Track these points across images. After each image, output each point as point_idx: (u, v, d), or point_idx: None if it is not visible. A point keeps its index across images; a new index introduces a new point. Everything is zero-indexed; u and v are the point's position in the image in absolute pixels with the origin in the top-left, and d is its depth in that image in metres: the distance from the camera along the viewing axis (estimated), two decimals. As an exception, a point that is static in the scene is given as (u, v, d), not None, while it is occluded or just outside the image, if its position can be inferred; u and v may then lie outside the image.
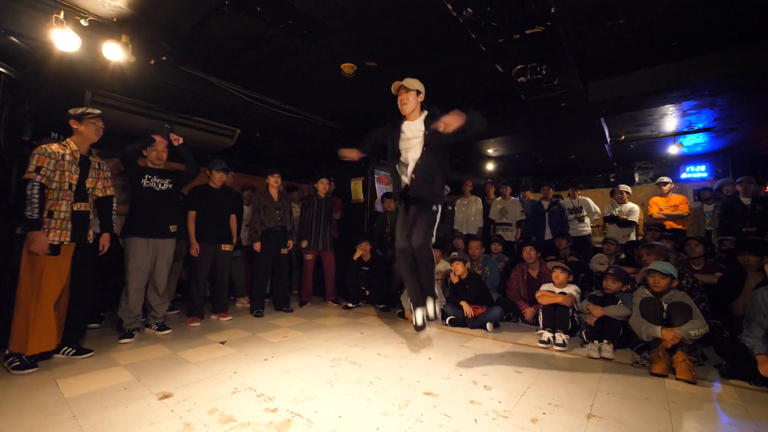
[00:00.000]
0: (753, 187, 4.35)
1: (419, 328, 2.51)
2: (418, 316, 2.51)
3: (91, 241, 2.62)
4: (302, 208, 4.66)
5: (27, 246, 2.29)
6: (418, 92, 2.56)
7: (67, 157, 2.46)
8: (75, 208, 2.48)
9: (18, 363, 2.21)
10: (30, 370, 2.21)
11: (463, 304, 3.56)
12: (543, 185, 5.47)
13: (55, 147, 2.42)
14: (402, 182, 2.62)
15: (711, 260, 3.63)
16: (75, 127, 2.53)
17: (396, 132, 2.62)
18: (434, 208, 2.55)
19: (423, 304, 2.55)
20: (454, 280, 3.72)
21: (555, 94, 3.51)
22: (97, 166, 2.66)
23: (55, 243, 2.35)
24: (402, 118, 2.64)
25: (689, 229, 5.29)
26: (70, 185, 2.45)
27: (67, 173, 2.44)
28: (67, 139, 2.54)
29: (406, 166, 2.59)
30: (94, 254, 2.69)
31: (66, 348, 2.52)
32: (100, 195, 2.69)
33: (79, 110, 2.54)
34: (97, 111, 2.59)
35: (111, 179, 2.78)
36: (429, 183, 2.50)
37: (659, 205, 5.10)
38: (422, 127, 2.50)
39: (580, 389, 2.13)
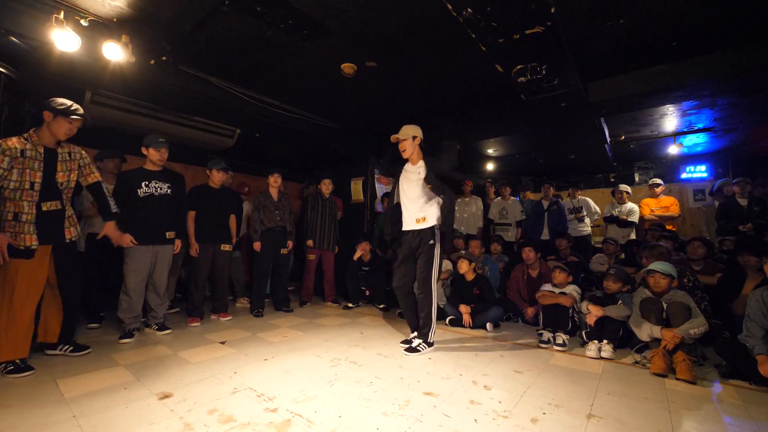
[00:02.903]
0: (750, 188, 4.36)
1: (407, 350, 2.74)
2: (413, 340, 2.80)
3: (70, 240, 2.44)
4: (308, 208, 4.67)
5: None
6: (414, 137, 2.90)
7: (28, 153, 2.19)
8: (44, 208, 2.26)
9: (12, 367, 2.17)
10: (25, 374, 2.17)
11: (463, 312, 3.54)
12: (543, 184, 5.46)
13: (13, 142, 2.16)
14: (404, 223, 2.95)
15: (711, 261, 3.64)
16: (46, 119, 2.26)
17: (398, 180, 3.03)
18: (431, 241, 2.79)
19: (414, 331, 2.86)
20: (468, 275, 3.74)
21: (555, 94, 3.51)
22: (67, 157, 2.39)
23: (21, 248, 2.19)
24: (403, 164, 3.05)
25: (690, 229, 5.30)
26: (32, 184, 2.21)
27: (27, 171, 2.19)
28: (30, 131, 2.26)
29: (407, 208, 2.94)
30: (76, 252, 2.56)
31: (63, 345, 2.50)
32: (84, 184, 2.49)
33: (60, 104, 2.27)
34: (80, 111, 2.34)
35: (90, 165, 2.52)
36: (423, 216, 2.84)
37: (650, 206, 5.14)
38: (422, 172, 2.87)
39: (580, 389, 2.13)
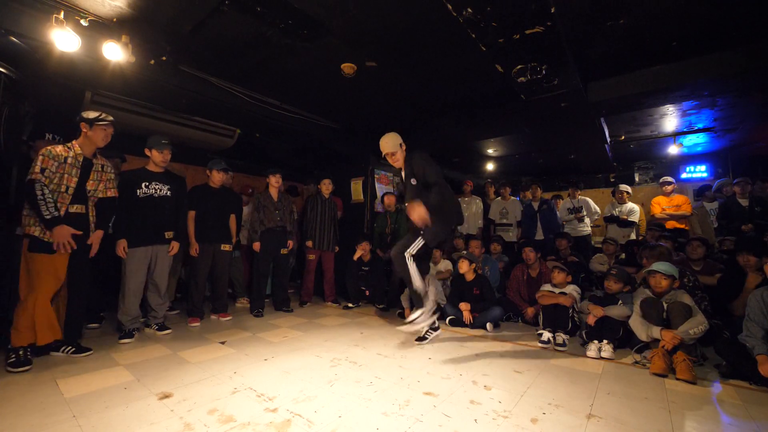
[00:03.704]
0: (750, 188, 4.36)
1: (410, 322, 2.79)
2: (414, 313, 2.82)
3: (90, 243, 2.62)
4: (308, 208, 4.67)
5: (25, 249, 2.36)
6: (400, 145, 2.91)
7: (69, 160, 2.47)
8: (71, 210, 2.48)
9: (14, 359, 2.23)
10: (23, 368, 2.21)
11: (464, 309, 3.54)
12: (531, 185, 5.44)
13: (59, 149, 2.45)
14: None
15: (711, 261, 3.63)
16: (84, 130, 2.55)
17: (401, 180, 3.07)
18: (421, 231, 2.78)
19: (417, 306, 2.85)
20: (468, 275, 3.74)
21: (555, 94, 3.51)
22: (100, 168, 2.66)
23: (45, 239, 2.36)
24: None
25: (692, 229, 5.30)
26: (67, 188, 2.47)
27: (66, 176, 2.45)
28: (73, 141, 2.55)
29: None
30: (89, 254, 2.68)
31: (65, 347, 2.53)
32: (101, 196, 2.68)
33: (93, 115, 2.56)
34: (111, 118, 2.62)
35: (114, 181, 2.77)
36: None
37: (662, 205, 5.10)
38: (407, 173, 2.89)
39: (580, 389, 2.13)
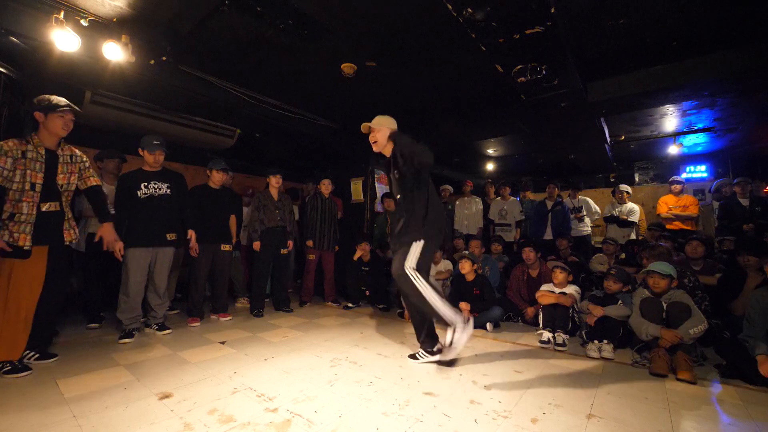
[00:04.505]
0: (751, 188, 4.36)
1: (440, 360, 2.43)
2: (446, 337, 2.31)
3: (70, 242, 2.43)
4: (308, 208, 4.67)
5: None
6: (390, 135, 2.50)
7: (29, 155, 2.22)
8: (43, 209, 2.27)
9: (10, 368, 2.15)
10: (23, 374, 2.15)
11: (463, 307, 3.54)
12: (548, 184, 5.42)
13: (11, 144, 2.18)
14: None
15: (711, 261, 3.64)
16: (39, 120, 2.28)
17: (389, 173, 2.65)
18: (407, 237, 2.41)
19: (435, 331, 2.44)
20: (469, 275, 3.72)
21: (555, 94, 3.51)
22: (68, 160, 2.40)
23: (15, 245, 2.16)
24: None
25: (697, 228, 5.28)
26: (33, 185, 2.22)
27: (29, 172, 2.21)
28: (32, 134, 2.30)
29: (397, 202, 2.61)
30: (70, 256, 2.54)
31: (28, 352, 2.33)
32: (83, 188, 2.50)
33: (45, 101, 2.28)
34: (64, 101, 2.33)
35: (90, 168, 2.54)
36: (405, 222, 2.45)
37: (669, 205, 5.08)
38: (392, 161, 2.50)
39: (580, 389, 2.13)
